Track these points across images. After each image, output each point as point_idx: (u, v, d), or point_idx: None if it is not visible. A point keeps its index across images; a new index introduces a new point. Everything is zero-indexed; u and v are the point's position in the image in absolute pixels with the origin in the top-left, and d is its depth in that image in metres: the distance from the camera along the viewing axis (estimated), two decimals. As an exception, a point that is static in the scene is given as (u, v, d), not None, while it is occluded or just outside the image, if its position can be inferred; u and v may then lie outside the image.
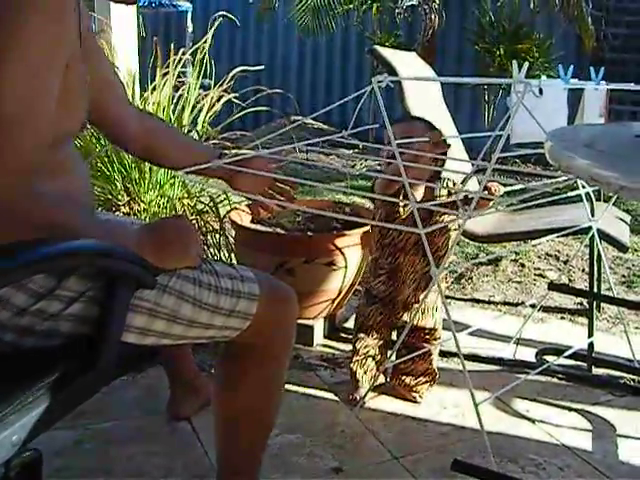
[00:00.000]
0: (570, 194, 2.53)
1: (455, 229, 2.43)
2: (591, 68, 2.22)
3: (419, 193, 2.43)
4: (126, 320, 1.40)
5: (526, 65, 1.89)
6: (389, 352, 2.53)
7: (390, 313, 2.49)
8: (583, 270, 3.87)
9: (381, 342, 2.51)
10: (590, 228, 2.63)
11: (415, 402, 2.49)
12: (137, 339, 1.45)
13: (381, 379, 2.55)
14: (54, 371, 1.33)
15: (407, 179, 1.92)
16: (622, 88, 2.36)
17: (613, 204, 3.23)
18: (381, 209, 2.46)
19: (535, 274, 3.89)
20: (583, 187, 2.50)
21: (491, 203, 2.38)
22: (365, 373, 2.49)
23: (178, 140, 1.96)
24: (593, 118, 2.19)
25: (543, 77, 2.11)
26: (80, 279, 1.39)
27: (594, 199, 2.63)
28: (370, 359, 2.49)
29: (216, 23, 3.39)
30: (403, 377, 2.51)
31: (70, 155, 1.50)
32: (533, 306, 3.13)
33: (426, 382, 2.51)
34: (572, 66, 2.14)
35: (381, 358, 2.52)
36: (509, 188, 2.43)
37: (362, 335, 2.51)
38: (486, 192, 2.28)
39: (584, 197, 2.55)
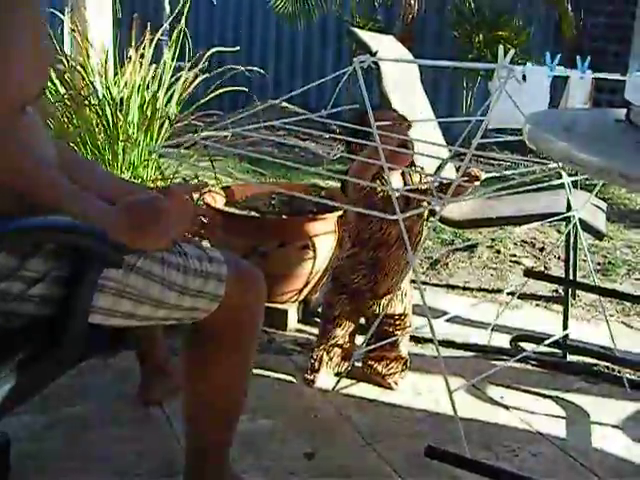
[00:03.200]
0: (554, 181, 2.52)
1: (431, 217, 2.41)
2: (577, 57, 2.20)
3: (396, 180, 2.39)
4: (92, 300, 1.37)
5: (512, 52, 1.87)
6: (358, 339, 2.50)
7: (360, 303, 2.45)
8: (558, 258, 3.87)
9: (349, 330, 2.49)
10: (568, 215, 2.62)
11: (391, 389, 2.48)
12: (103, 320, 1.42)
13: (356, 364, 2.53)
14: (18, 352, 1.31)
15: (385, 163, 1.89)
16: (605, 77, 2.32)
17: (589, 191, 3.24)
18: (358, 203, 2.33)
19: (511, 261, 3.88)
20: (560, 177, 2.49)
21: (470, 189, 2.34)
22: (330, 360, 2.47)
23: (97, 172, 1.78)
24: (577, 106, 2.17)
25: (529, 64, 2.09)
26: (43, 259, 1.36)
27: (571, 187, 2.62)
28: (337, 348, 2.47)
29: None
30: (374, 364, 2.49)
31: (34, 122, 1.45)
32: (512, 294, 3.11)
33: (397, 369, 2.49)
34: (559, 54, 2.13)
35: (349, 346, 2.50)
36: (489, 175, 2.40)
37: (329, 326, 2.47)
38: (466, 178, 2.26)
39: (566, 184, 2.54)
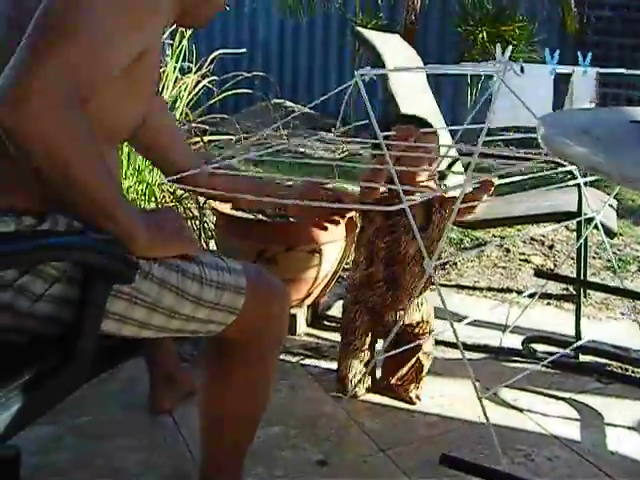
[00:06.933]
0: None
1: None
2: (578, 53, 2.17)
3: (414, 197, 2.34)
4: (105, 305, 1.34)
5: (510, 48, 1.84)
6: (377, 349, 2.46)
7: (378, 317, 2.40)
8: (568, 255, 3.84)
9: (369, 341, 2.43)
10: (578, 214, 2.58)
11: (413, 403, 2.41)
12: (116, 327, 1.38)
13: (376, 374, 2.49)
14: (30, 368, 1.28)
15: (394, 167, 1.86)
16: (609, 72, 2.29)
17: (598, 188, 3.21)
18: (376, 218, 2.33)
19: (520, 259, 3.85)
20: (573, 175, 2.45)
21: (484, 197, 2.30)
22: (354, 375, 2.41)
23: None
24: (583, 103, 2.14)
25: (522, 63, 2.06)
26: None
27: (583, 186, 2.59)
28: (359, 360, 2.41)
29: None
30: (393, 379, 2.43)
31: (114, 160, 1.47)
32: (532, 295, 3.05)
33: (412, 382, 2.42)
34: (558, 51, 2.10)
35: (370, 357, 2.44)
36: (502, 181, 2.35)
37: (350, 337, 2.42)
38: (478, 186, 2.22)
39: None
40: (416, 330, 2.41)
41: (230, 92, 3.35)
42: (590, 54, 2.20)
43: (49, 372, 1.30)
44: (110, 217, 1.28)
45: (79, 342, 1.31)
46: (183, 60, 3.27)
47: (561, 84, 2.21)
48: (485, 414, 1.82)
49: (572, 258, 3.45)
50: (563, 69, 2.10)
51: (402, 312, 2.35)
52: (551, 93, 2.09)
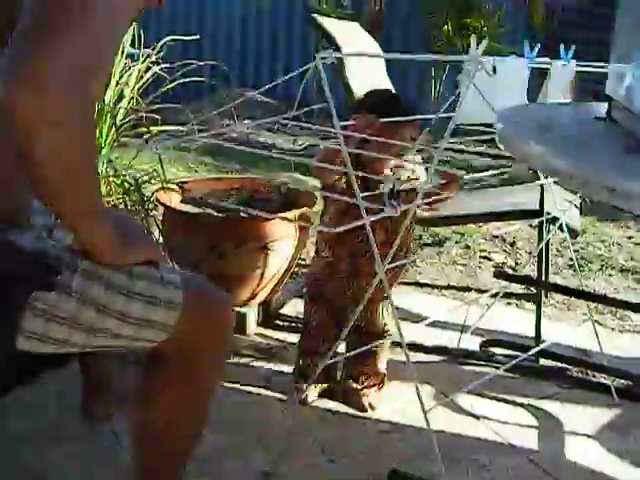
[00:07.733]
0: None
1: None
2: (561, 45, 2.06)
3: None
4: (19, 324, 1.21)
5: (485, 42, 1.71)
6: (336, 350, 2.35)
7: (336, 312, 2.29)
8: (530, 252, 3.76)
9: (327, 340, 2.28)
10: (540, 213, 2.49)
11: (364, 411, 2.30)
12: (33, 346, 1.24)
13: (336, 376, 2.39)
14: None
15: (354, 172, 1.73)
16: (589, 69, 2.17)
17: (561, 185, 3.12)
18: (332, 206, 2.21)
19: (481, 256, 3.76)
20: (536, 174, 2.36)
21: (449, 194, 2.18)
22: (310, 373, 2.29)
23: None
24: (557, 99, 2.03)
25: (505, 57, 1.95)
26: None
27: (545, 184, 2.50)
28: (316, 362, 2.29)
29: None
30: (351, 382, 2.33)
31: None
32: (495, 295, 2.94)
33: (374, 386, 2.33)
34: (539, 44, 1.99)
35: (328, 357, 2.33)
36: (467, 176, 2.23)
37: (307, 334, 2.34)
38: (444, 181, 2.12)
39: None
40: (378, 335, 2.29)
41: (183, 80, 3.21)
42: (573, 47, 2.08)
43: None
44: (93, 217, 1.20)
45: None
46: (134, 46, 3.12)
47: (535, 78, 2.11)
48: (429, 425, 1.73)
49: (534, 256, 3.37)
50: (541, 65, 1.97)
51: (366, 312, 2.22)
52: (525, 88, 1.98)
